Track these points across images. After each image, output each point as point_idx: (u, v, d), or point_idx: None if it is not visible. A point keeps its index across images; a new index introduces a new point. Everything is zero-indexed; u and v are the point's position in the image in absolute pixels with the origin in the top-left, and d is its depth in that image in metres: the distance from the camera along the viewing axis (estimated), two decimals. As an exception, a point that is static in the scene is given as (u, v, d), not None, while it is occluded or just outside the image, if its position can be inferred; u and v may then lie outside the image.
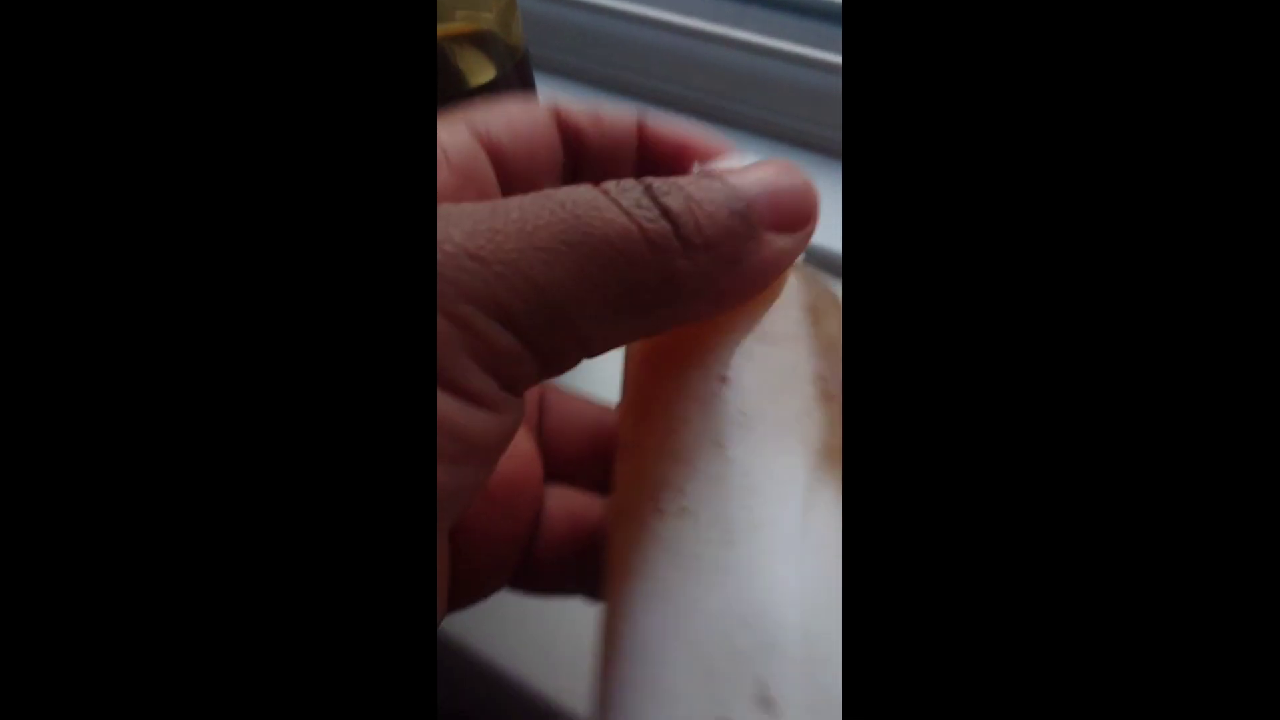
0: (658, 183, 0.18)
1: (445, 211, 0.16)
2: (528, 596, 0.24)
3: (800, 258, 0.21)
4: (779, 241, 0.19)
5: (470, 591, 0.22)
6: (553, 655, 0.33)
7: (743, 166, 0.20)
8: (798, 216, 0.20)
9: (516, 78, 0.33)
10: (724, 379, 0.20)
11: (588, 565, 0.23)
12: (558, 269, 0.17)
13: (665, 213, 0.18)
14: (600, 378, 0.24)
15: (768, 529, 0.18)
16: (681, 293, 0.18)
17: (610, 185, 0.18)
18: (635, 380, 0.22)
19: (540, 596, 0.24)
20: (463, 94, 0.31)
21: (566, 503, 0.24)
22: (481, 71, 0.32)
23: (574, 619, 0.35)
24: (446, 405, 0.16)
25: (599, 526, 0.23)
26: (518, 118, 0.22)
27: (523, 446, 0.24)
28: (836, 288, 0.21)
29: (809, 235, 0.20)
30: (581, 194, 0.17)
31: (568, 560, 0.24)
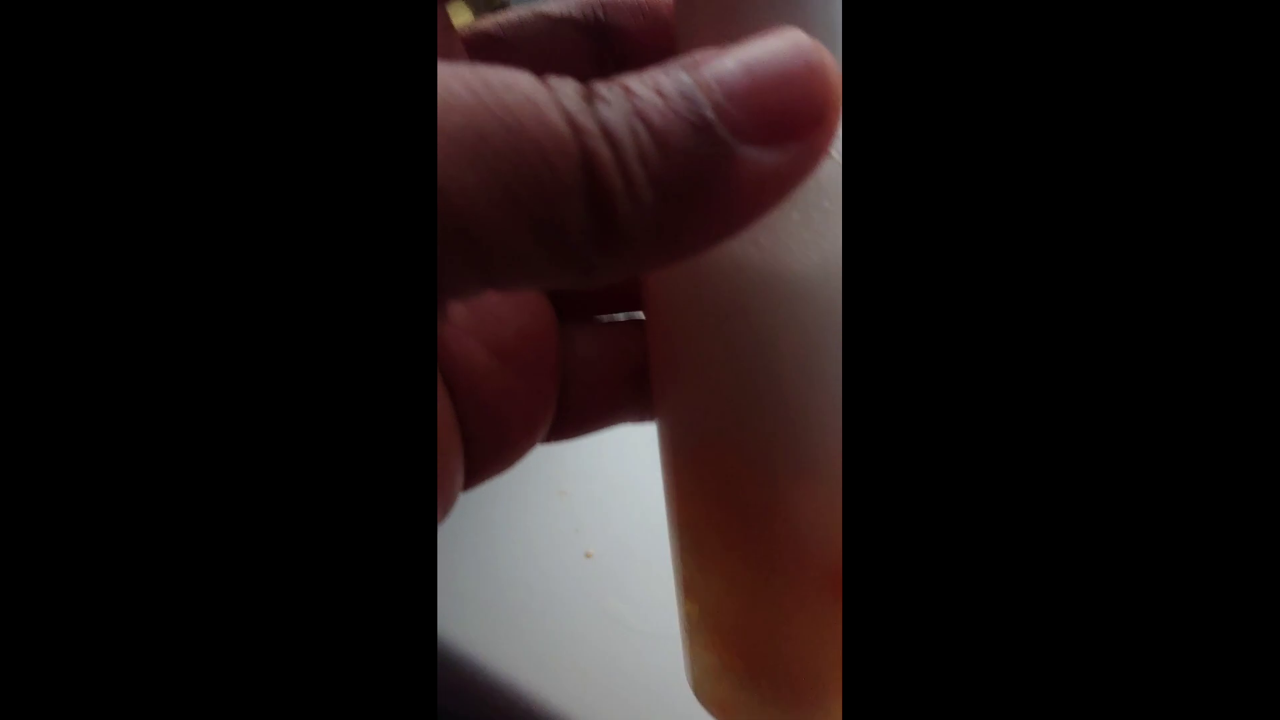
0: (600, 86, 0.13)
1: None
2: (571, 439, 0.22)
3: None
4: (765, 158, 0.14)
5: (500, 456, 0.20)
6: (558, 667, 0.33)
7: (723, 51, 0.14)
8: (796, 119, 0.14)
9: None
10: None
11: (630, 394, 0.21)
12: (461, 164, 0.13)
13: (603, 130, 0.13)
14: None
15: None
16: (621, 239, 0.14)
17: (553, 80, 0.13)
18: None
19: (584, 435, 0.22)
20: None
21: (594, 339, 0.21)
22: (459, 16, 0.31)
23: (577, 631, 0.35)
24: None
25: (635, 353, 0.21)
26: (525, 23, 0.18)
27: (528, 295, 0.20)
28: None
29: (820, 144, 0.14)
30: (520, 80, 0.13)
31: (607, 398, 0.21)
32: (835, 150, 0.16)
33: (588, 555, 0.37)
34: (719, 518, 0.20)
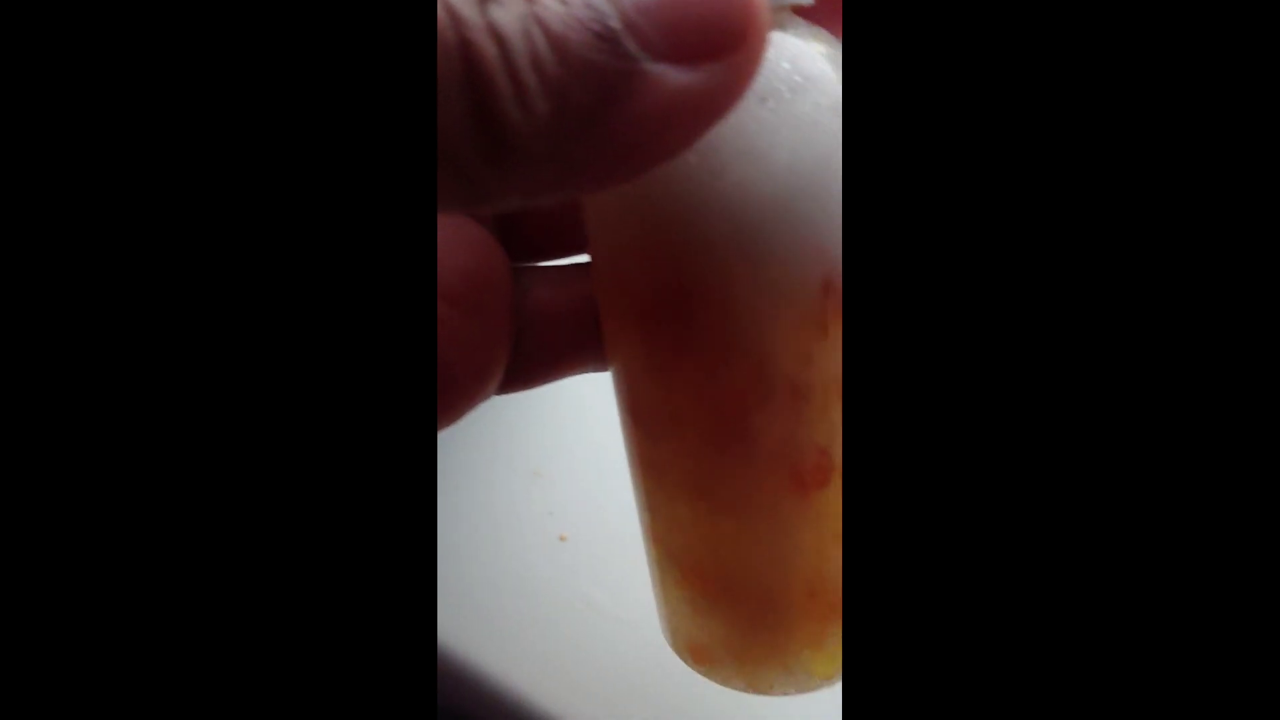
0: None
1: None
2: (530, 389, 0.21)
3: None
4: (678, 79, 0.13)
5: (451, 405, 0.19)
6: (529, 653, 0.32)
7: None
8: (713, 37, 0.13)
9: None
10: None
11: (590, 339, 0.21)
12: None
13: (490, 27, 0.12)
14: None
15: None
16: (511, 153, 0.12)
17: None
18: None
19: (543, 384, 0.21)
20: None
21: (550, 282, 0.21)
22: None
23: (550, 617, 0.34)
24: None
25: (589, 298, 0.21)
26: None
27: (475, 234, 0.19)
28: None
29: (744, 69, 0.13)
30: None
31: (566, 343, 0.21)
32: (795, 69, 0.17)
33: (562, 539, 0.36)
34: (676, 441, 0.20)
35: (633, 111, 0.12)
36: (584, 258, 0.21)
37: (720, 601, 0.21)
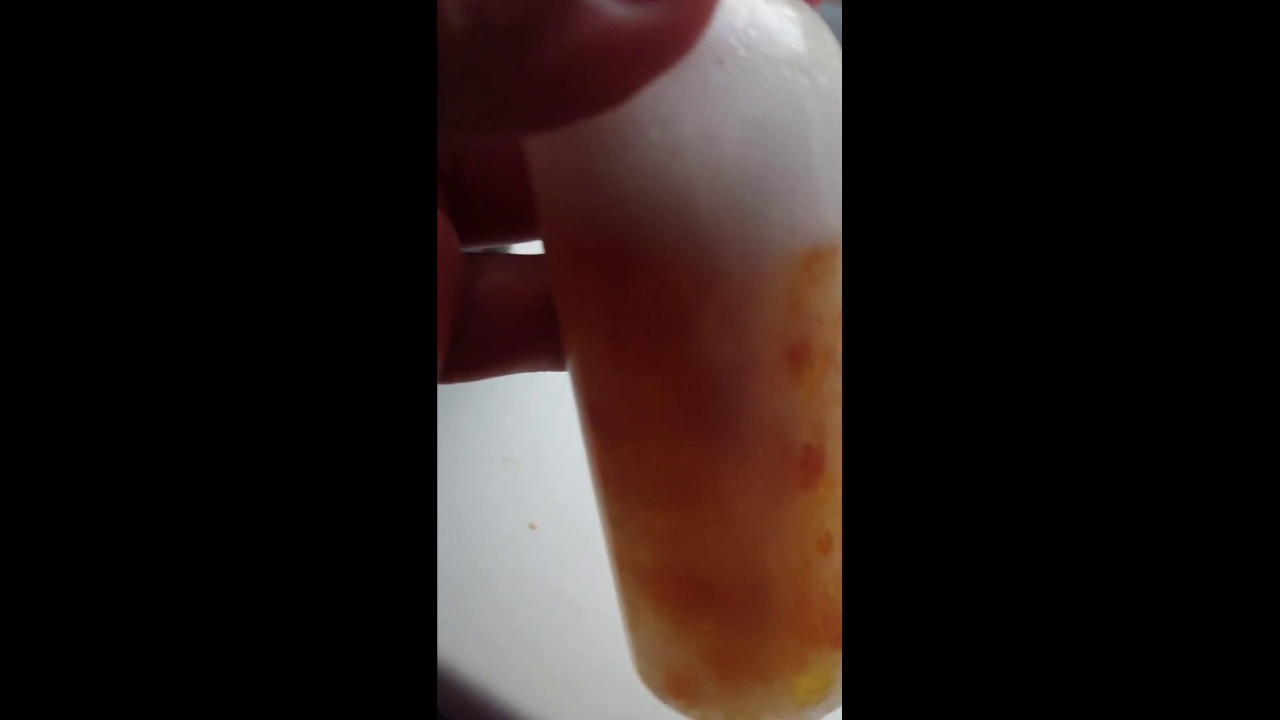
0: None
1: None
2: (474, 381, 0.20)
3: None
4: (620, 13, 0.12)
5: None
6: (496, 644, 0.32)
7: None
8: None
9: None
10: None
11: (541, 331, 0.19)
12: None
13: None
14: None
15: None
16: (448, 90, 0.12)
17: None
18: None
19: (490, 376, 0.20)
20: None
21: (504, 268, 0.20)
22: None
23: (518, 606, 0.33)
24: None
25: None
26: None
27: None
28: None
29: (696, 11, 0.12)
30: None
31: (515, 333, 0.20)
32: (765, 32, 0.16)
33: (532, 527, 0.35)
34: (641, 440, 0.19)
35: (563, 43, 0.11)
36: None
37: (695, 616, 0.20)
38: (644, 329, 0.18)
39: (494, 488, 0.37)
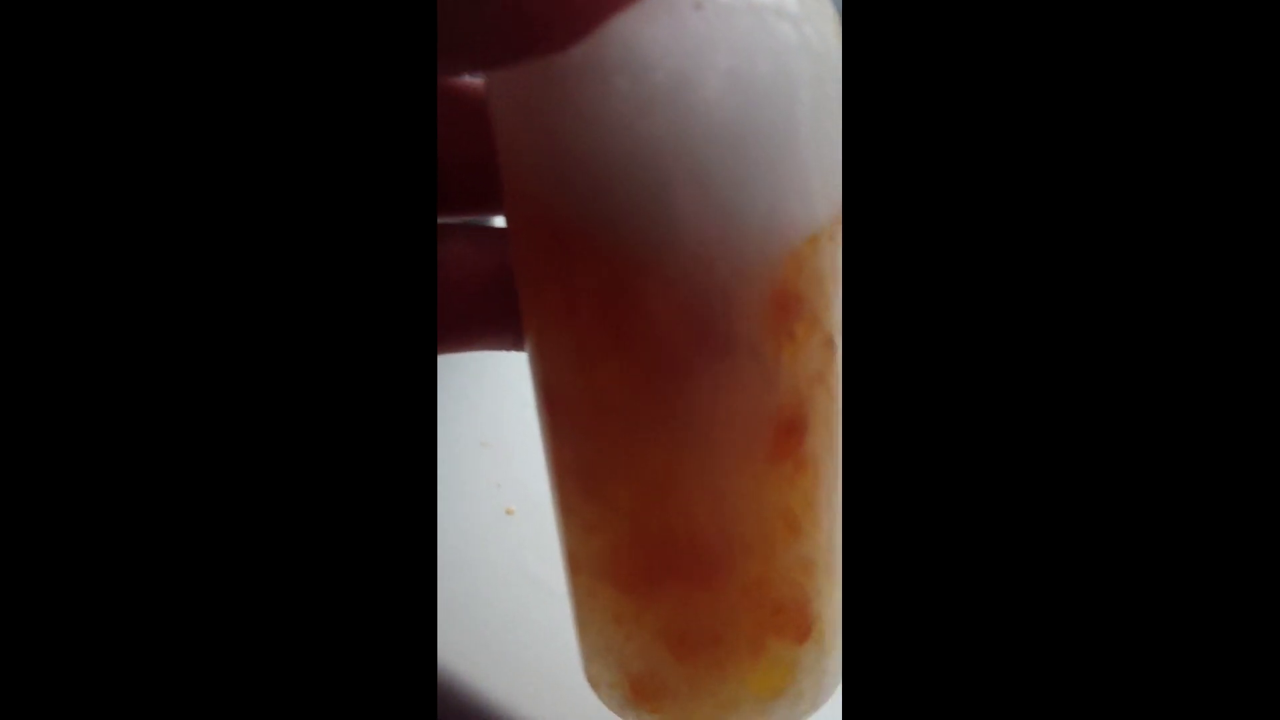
0: None
1: None
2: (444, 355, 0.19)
3: None
4: None
5: None
6: (471, 630, 0.31)
7: None
8: None
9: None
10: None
11: (501, 306, 0.19)
12: None
13: None
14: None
15: None
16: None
17: None
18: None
19: (447, 351, 0.19)
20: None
21: (463, 239, 0.19)
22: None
23: (493, 592, 0.32)
24: None
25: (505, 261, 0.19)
26: None
27: None
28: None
29: None
30: None
31: (472, 306, 0.19)
32: None
33: (509, 512, 0.34)
34: (602, 417, 0.18)
35: None
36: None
37: (655, 592, 0.19)
38: (601, 306, 0.16)
39: (470, 472, 0.36)
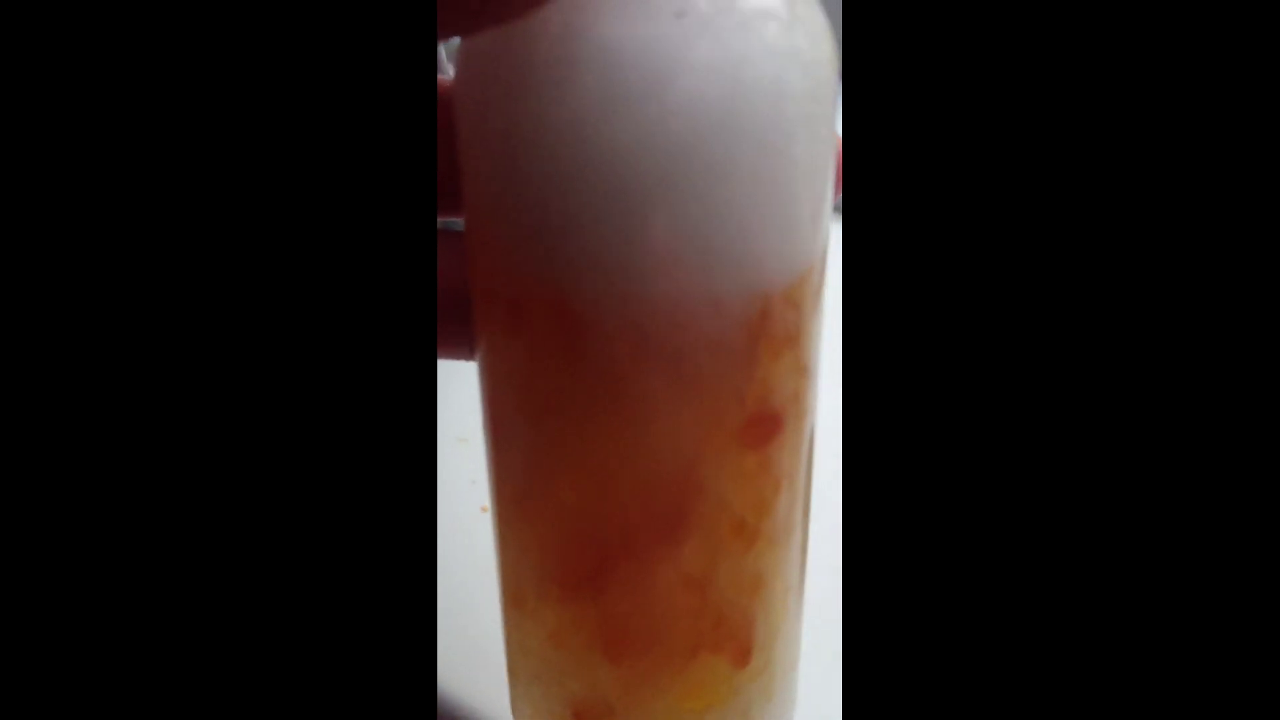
0: None
1: None
2: None
3: None
4: None
5: None
6: (445, 629, 0.34)
7: None
8: None
9: None
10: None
11: (448, 314, 0.18)
12: None
13: None
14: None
15: None
16: None
17: None
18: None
19: None
20: None
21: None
22: None
23: (468, 592, 0.33)
24: None
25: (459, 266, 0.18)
26: None
27: None
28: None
29: None
30: None
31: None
32: None
33: (485, 510, 0.35)
34: (554, 422, 0.17)
35: None
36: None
37: (594, 592, 0.18)
38: (549, 322, 0.16)
39: (446, 468, 0.34)
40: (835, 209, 0.17)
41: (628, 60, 0.13)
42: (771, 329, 0.16)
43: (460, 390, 0.33)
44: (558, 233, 0.14)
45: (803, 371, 0.17)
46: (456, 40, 0.15)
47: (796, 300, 0.16)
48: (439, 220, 0.17)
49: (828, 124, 0.15)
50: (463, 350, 0.17)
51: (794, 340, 0.16)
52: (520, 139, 0.14)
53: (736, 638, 0.19)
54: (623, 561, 0.18)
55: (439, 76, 0.16)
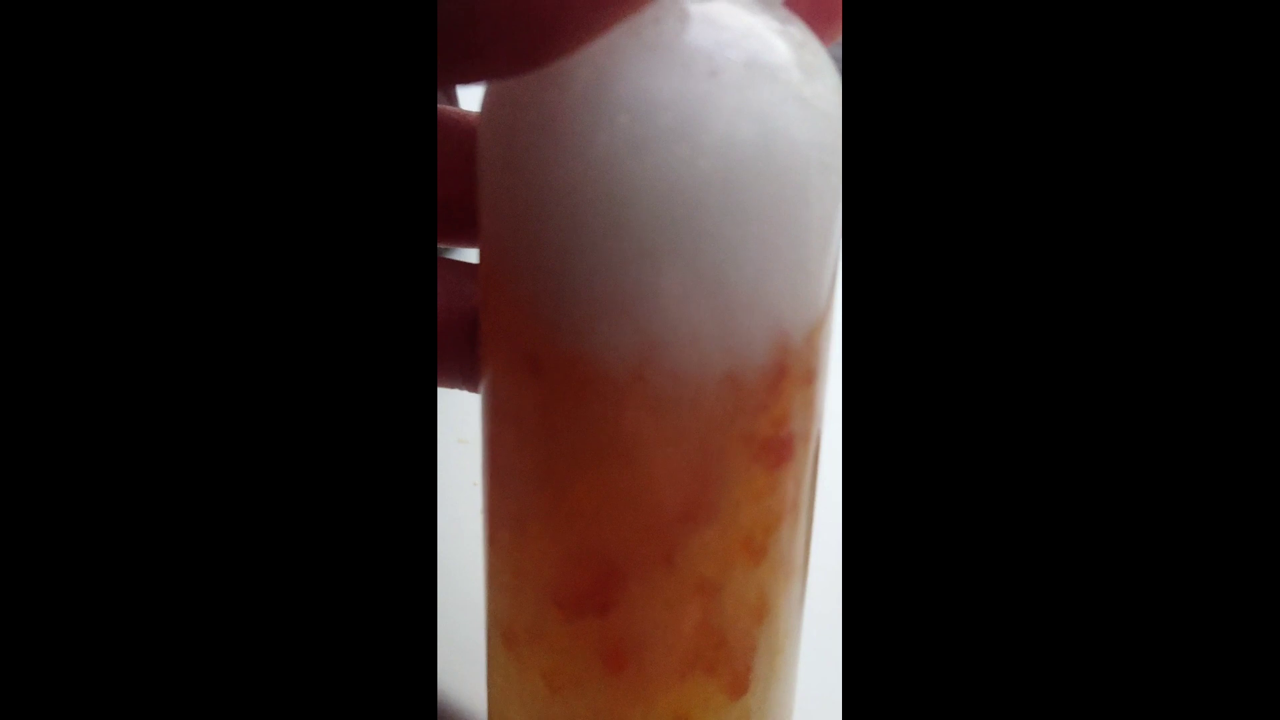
0: None
1: None
2: None
3: None
4: None
5: None
6: (446, 634, 0.35)
7: None
8: None
9: None
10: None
11: (458, 342, 0.18)
12: None
13: None
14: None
15: None
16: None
17: None
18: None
19: None
20: None
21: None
22: None
23: (470, 595, 0.33)
24: None
25: (465, 296, 0.19)
26: None
27: None
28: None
29: None
30: None
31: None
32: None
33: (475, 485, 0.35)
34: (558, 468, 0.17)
35: None
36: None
37: (592, 609, 0.18)
38: (564, 370, 0.16)
39: (446, 469, 0.34)
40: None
41: (662, 101, 0.14)
42: (791, 370, 0.16)
43: (461, 392, 0.33)
44: (582, 277, 0.15)
45: (813, 403, 0.18)
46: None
47: (814, 342, 0.17)
48: (442, 247, 0.16)
49: (838, 172, 0.15)
50: (464, 381, 0.17)
51: (810, 379, 0.17)
52: (549, 179, 0.14)
53: (735, 665, 0.19)
54: (632, 559, 0.18)
55: (465, 111, 0.16)
